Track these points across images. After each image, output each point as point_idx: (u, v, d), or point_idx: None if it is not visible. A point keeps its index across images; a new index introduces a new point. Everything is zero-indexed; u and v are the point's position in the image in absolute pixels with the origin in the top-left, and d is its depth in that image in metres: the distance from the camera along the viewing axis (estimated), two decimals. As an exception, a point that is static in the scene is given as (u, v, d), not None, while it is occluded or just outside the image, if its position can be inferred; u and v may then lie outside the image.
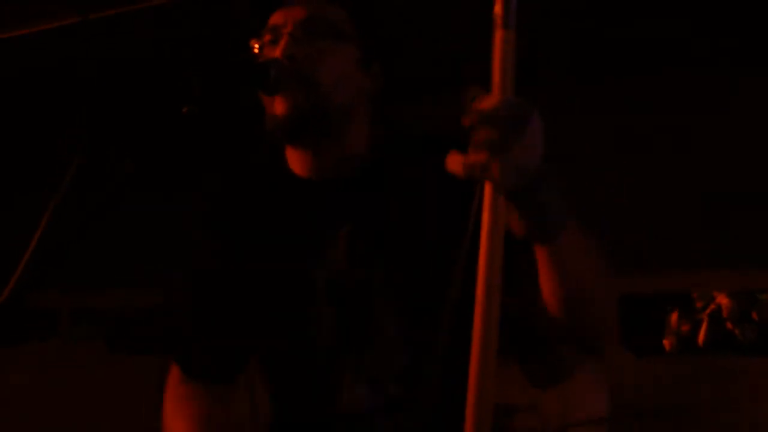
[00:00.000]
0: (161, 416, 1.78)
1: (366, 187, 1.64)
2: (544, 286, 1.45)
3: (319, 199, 1.65)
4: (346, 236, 1.62)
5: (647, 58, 4.02)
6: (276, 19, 1.62)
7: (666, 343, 6.52)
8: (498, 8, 1.22)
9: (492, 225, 1.23)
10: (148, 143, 1.44)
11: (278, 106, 1.58)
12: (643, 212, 4.29)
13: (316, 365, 1.62)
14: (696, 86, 4.13)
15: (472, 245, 1.26)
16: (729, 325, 6.10)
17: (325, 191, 1.65)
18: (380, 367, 1.59)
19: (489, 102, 1.21)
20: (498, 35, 1.22)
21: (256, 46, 1.61)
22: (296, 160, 1.68)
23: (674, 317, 6.48)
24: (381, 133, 1.69)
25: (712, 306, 6.21)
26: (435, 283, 1.42)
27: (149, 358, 5.26)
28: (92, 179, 1.42)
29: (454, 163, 1.23)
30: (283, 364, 1.67)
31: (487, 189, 1.23)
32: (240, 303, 1.69)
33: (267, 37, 1.61)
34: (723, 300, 6.15)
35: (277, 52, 1.58)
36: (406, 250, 1.59)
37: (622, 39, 3.86)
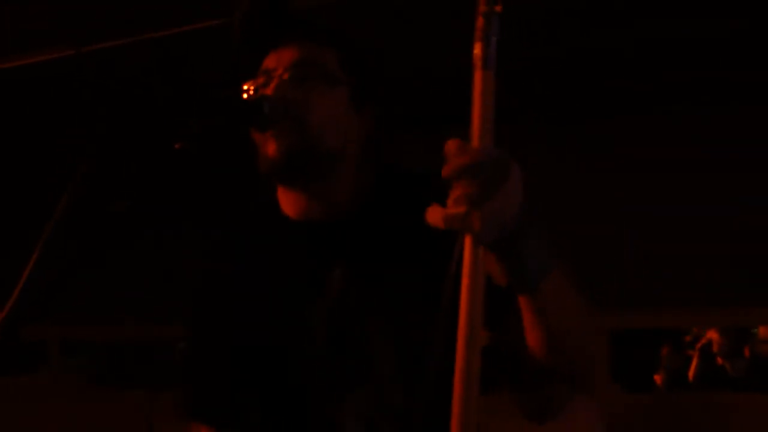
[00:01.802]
0: None
1: (358, 229, 1.64)
2: (528, 330, 1.46)
3: (311, 241, 1.65)
4: (339, 277, 1.62)
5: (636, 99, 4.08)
6: (268, 62, 1.63)
7: (657, 378, 6.51)
8: (477, 49, 1.22)
9: (472, 276, 1.22)
10: (141, 180, 1.45)
11: (270, 148, 1.58)
12: (634, 250, 4.32)
13: (311, 405, 1.62)
14: (690, 123, 4.18)
15: (455, 288, 1.26)
16: (719, 360, 6.10)
17: (317, 233, 1.65)
18: (375, 406, 1.59)
19: (467, 154, 1.21)
20: (477, 77, 1.22)
21: (250, 88, 1.61)
22: (288, 202, 1.68)
23: (665, 352, 6.48)
24: (373, 173, 1.69)
25: (703, 341, 6.21)
26: (426, 322, 1.42)
27: (137, 392, 5.25)
28: (85, 214, 1.42)
29: (434, 216, 1.23)
30: (279, 404, 1.66)
31: (467, 240, 1.22)
32: (235, 344, 1.68)
33: (260, 80, 1.63)
34: (713, 335, 6.15)
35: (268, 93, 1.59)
36: (397, 290, 1.59)
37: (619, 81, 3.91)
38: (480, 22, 1.23)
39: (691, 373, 6.19)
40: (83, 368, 6.38)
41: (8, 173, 5.19)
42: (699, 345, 6.23)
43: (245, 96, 1.59)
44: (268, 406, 1.65)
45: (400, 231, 1.61)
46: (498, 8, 1.23)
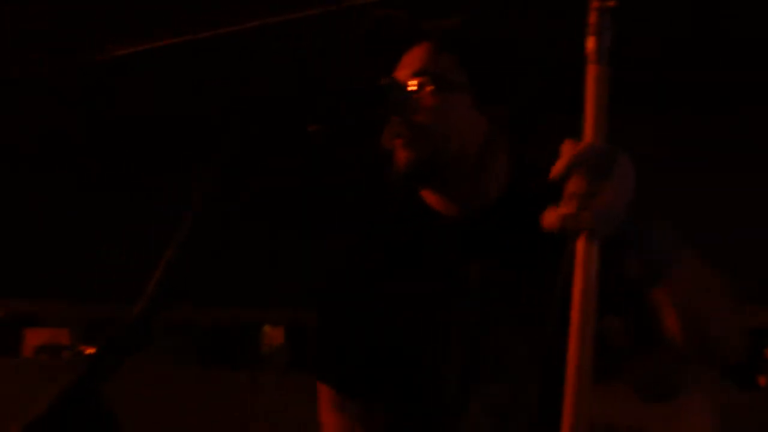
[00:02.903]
0: None
1: (496, 224, 1.66)
2: (665, 321, 1.45)
3: (449, 235, 1.68)
4: (475, 273, 1.64)
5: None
6: (397, 72, 1.66)
7: (762, 379, 6.36)
8: (591, 43, 1.24)
9: (587, 273, 1.23)
10: (274, 164, 1.47)
11: (400, 156, 1.62)
12: (735, 249, 4.23)
13: (444, 398, 1.64)
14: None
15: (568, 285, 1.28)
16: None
17: (456, 228, 1.68)
18: (508, 400, 1.61)
19: (575, 151, 1.23)
20: (590, 71, 1.23)
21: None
22: (427, 196, 1.72)
23: (768, 354, 6.32)
24: (507, 169, 1.71)
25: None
26: (561, 316, 1.42)
27: (239, 372, 5.34)
28: (220, 198, 1.45)
29: (549, 218, 1.27)
30: (412, 395, 1.68)
31: (581, 240, 1.24)
32: (372, 334, 1.71)
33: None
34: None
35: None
36: (532, 286, 1.61)
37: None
38: (593, 17, 1.25)
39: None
40: (186, 348, 6.51)
41: (150, 159, 5.32)
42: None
43: (373, 80, 1.62)
44: (402, 397, 1.68)
45: (533, 226, 1.62)
46: (611, 3, 1.25)
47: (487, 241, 1.66)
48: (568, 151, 1.25)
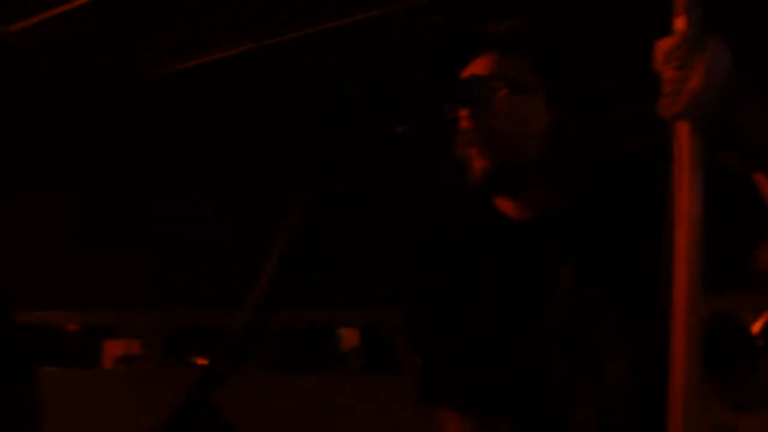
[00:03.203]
0: None
1: (578, 220, 1.65)
2: None
3: (534, 237, 1.67)
4: (568, 270, 1.63)
5: None
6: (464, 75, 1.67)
7: None
8: (680, 23, 1.31)
9: (692, 171, 1.29)
10: (363, 164, 1.50)
11: (476, 164, 1.62)
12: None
13: (545, 396, 1.64)
14: None
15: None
16: None
17: (539, 229, 1.67)
18: (608, 395, 1.60)
19: (665, 43, 1.31)
20: None
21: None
22: (503, 203, 1.71)
23: None
24: (584, 166, 1.70)
25: None
26: (656, 308, 1.42)
27: (317, 376, 5.37)
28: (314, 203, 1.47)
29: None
30: (510, 393, 1.69)
31: (680, 126, 1.30)
32: (471, 342, 1.72)
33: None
34: None
35: (464, 119, 1.63)
36: (621, 280, 1.60)
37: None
38: None
39: None
40: (257, 354, 6.56)
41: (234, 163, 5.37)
42: None
43: (457, 76, 1.63)
44: (500, 395, 1.69)
45: (616, 220, 1.62)
46: None
47: (570, 242, 1.65)
48: (661, 44, 1.32)
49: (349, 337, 5.93)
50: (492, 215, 1.72)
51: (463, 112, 1.61)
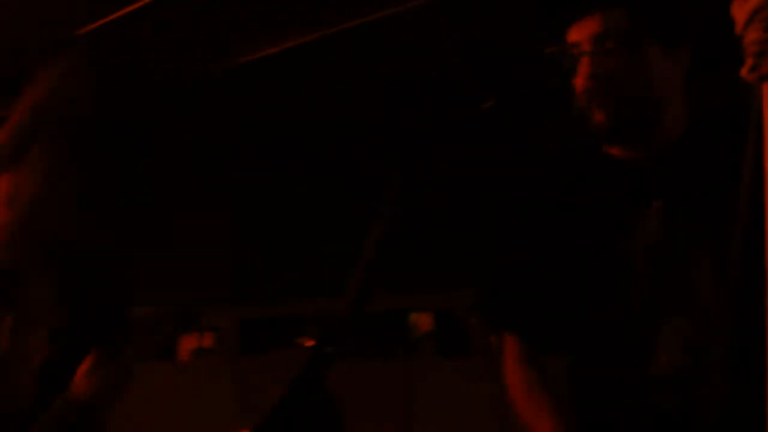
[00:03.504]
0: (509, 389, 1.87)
1: (676, 163, 1.71)
2: None
3: (632, 177, 1.74)
4: (657, 211, 1.69)
5: None
6: (572, 36, 1.69)
7: None
8: None
9: None
10: (454, 141, 1.53)
11: (597, 117, 1.68)
12: None
13: (632, 330, 1.69)
14: None
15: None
16: None
17: (639, 170, 1.74)
18: (696, 332, 1.64)
19: (748, 4, 1.29)
20: None
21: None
22: (612, 149, 1.77)
23: None
24: (687, 112, 1.76)
25: None
26: (745, 246, 1.45)
27: (394, 361, 5.40)
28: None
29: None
30: (598, 329, 1.73)
31: (765, 87, 1.28)
32: (565, 275, 1.78)
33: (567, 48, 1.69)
34: None
35: (581, 73, 1.67)
36: (712, 221, 1.64)
37: None
38: None
39: None
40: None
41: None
42: None
43: (544, 49, 1.67)
44: (587, 330, 1.72)
45: (711, 165, 1.66)
46: None
47: (669, 179, 1.71)
48: (743, 6, 1.30)
49: (422, 321, 5.94)
50: (600, 160, 1.79)
51: (581, 71, 1.65)
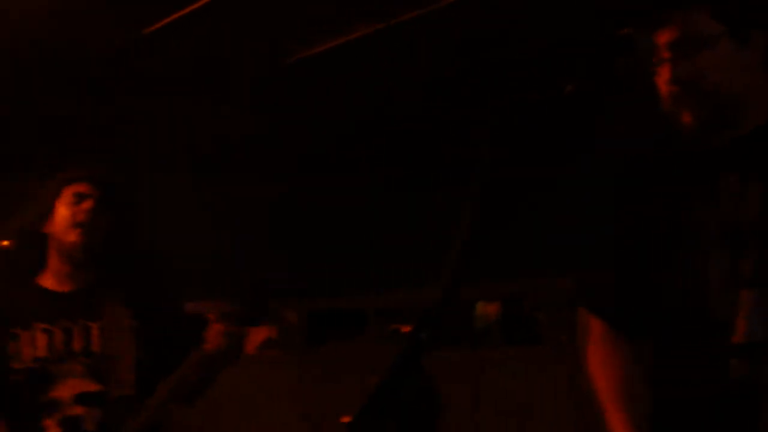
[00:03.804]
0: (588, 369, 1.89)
1: (753, 140, 1.72)
2: None
3: (710, 155, 1.75)
4: (738, 183, 1.69)
5: None
6: (659, 37, 1.71)
7: None
8: None
9: None
10: (531, 131, 1.54)
11: (684, 119, 1.70)
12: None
13: (713, 303, 1.69)
14: None
15: None
16: None
17: (719, 150, 1.74)
18: None
19: None
20: None
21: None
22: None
23: None
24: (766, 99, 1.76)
25: None
26: None
27: (460, 350, 5.40)
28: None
29: None
30: (683, 306, 1.74)
31: None
32: (651, 255, 1.79)
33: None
34: None
35: (664, 77, 1.69)
36: None
37: None
38: None
39: None
40: (399, 334, 6.62)
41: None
42: None
43: (617, 33, 1.68)
44: (672, 308, 1.74)
45: None
46: None
47: (745, 156, 1.71)
48: None
49: (489, 310, 5.95)
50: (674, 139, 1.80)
51: (664, 75, 1.67)
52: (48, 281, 2.67)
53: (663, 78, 1.69)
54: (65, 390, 2.56)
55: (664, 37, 1.69)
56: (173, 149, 5.58)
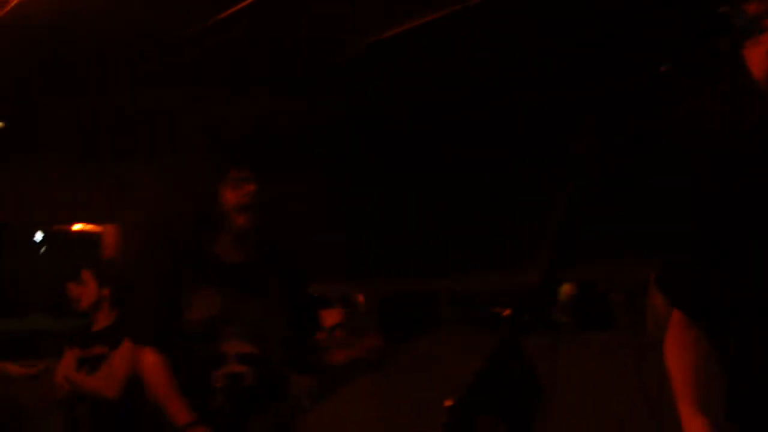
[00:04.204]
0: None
1: None
2: None
3: None
4: None
5: None
6: (751, 9, 1.67)
7: None
8: None
9: None
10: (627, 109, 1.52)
11: None
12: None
13: None
14: None
15: None
16: None
17: None
18: None
19: None
20: None
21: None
22: None
23: None
24: None
25: None
26: None
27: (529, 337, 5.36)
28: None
29: None
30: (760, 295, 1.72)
31: None
32: (740, 246, 1.76)
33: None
34: None
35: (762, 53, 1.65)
36: None
37: None
38: None
39: None
40: (467, 318, 6.61)
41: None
42: None
43: (715, 10, 1.65)
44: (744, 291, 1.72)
45: None
46: None
47: None
48: None
49: (563, 292, 5.93)
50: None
51: (762, 50, 1.64)
52: (220, 251, 2.99)
53: (761, 53, 1.65)
54: (230, 348, 2.90)
55: (764, 4, 1.65)
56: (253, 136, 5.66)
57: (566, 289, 5.92)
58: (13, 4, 3.74)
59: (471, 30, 3.93)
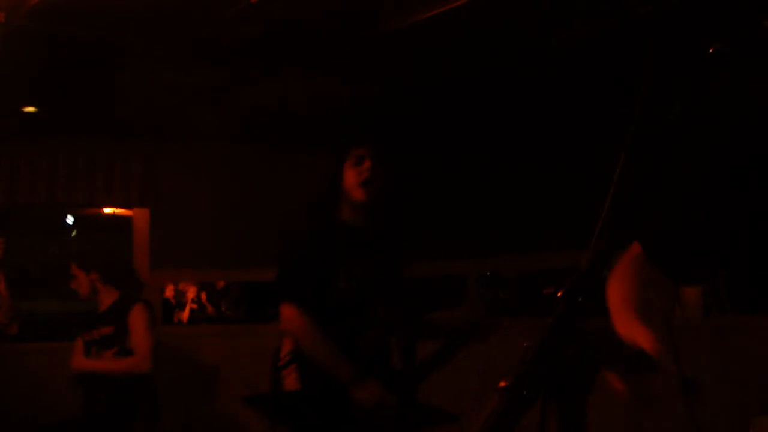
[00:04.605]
0: None
1: None
2: None
3: None
4: None
5: None
6: None
7: None
8: None
9: None
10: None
11: None
12: None
13: None
14: None
15: None
16: None
17: None
18: None
19: None
20: None
21: None
22: None
23: None
24: None
25: None
26: None
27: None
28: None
29: None
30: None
31: None
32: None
33: None
34: None
35: None
36: None
37: None
38: None
39: None
40: (494, 300, 6.60)
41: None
42: None
43: None
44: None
45: None
46: None
47: None
48: None
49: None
50: None
51: None
52: (352, 226, 3.26)
53: None
54: (375, 313, 3.20)
55: None
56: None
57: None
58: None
59: (508, 8, 3.91)
